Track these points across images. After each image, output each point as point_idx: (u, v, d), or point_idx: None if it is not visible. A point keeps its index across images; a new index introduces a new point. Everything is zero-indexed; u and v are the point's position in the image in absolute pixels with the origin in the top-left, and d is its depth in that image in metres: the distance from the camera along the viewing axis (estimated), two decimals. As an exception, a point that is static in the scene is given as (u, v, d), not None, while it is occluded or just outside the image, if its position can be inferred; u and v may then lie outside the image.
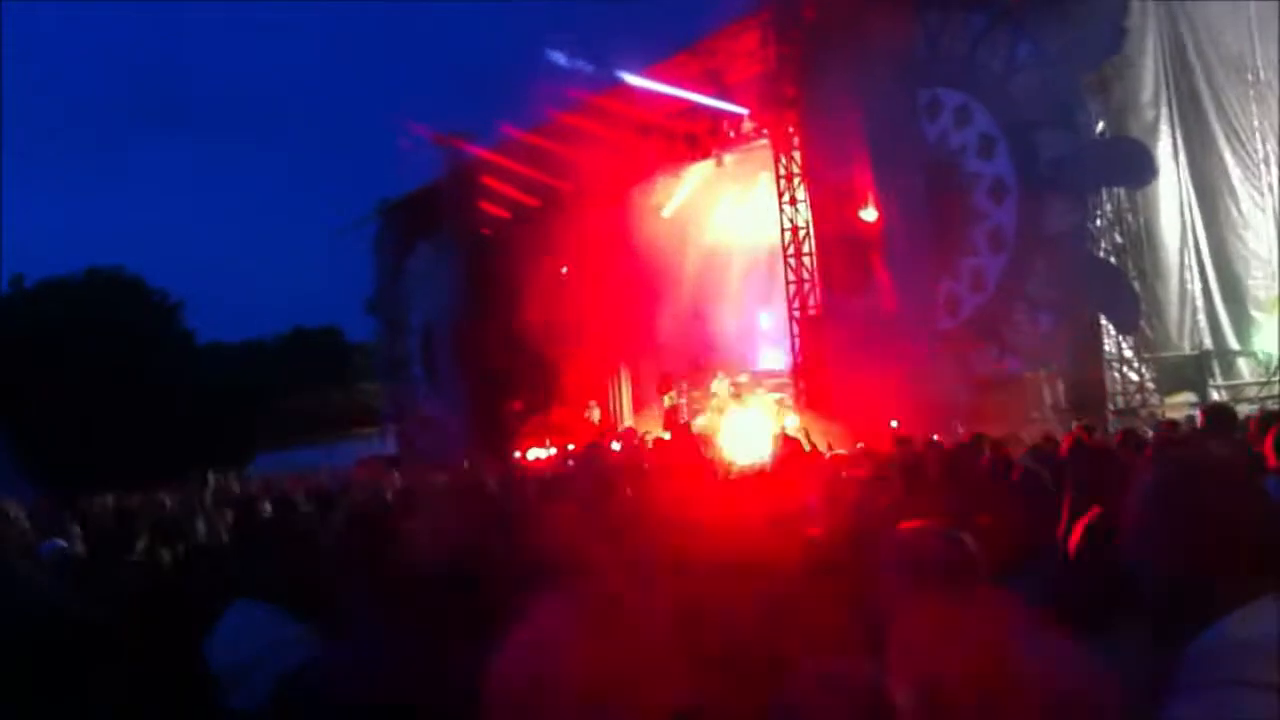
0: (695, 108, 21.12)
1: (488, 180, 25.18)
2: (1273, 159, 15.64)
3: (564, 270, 24.55)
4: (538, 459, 22.12)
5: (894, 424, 14.58)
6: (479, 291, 26.67)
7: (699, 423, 21.93)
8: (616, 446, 20.50)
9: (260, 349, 47.62)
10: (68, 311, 39.77)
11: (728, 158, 22.25)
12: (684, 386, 23.86)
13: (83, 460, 29.36)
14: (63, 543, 6.12)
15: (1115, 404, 14.68)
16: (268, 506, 5.77)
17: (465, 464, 17.73)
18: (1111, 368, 15.14)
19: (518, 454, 22.67)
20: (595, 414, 24.26)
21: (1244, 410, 10.76)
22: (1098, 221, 15.23)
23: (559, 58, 19.55)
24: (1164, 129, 15.42)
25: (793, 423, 18.88)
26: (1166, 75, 15.53)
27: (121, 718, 2.05)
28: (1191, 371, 14.98)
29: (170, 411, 37.50)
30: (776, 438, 17.50)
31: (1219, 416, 7.28)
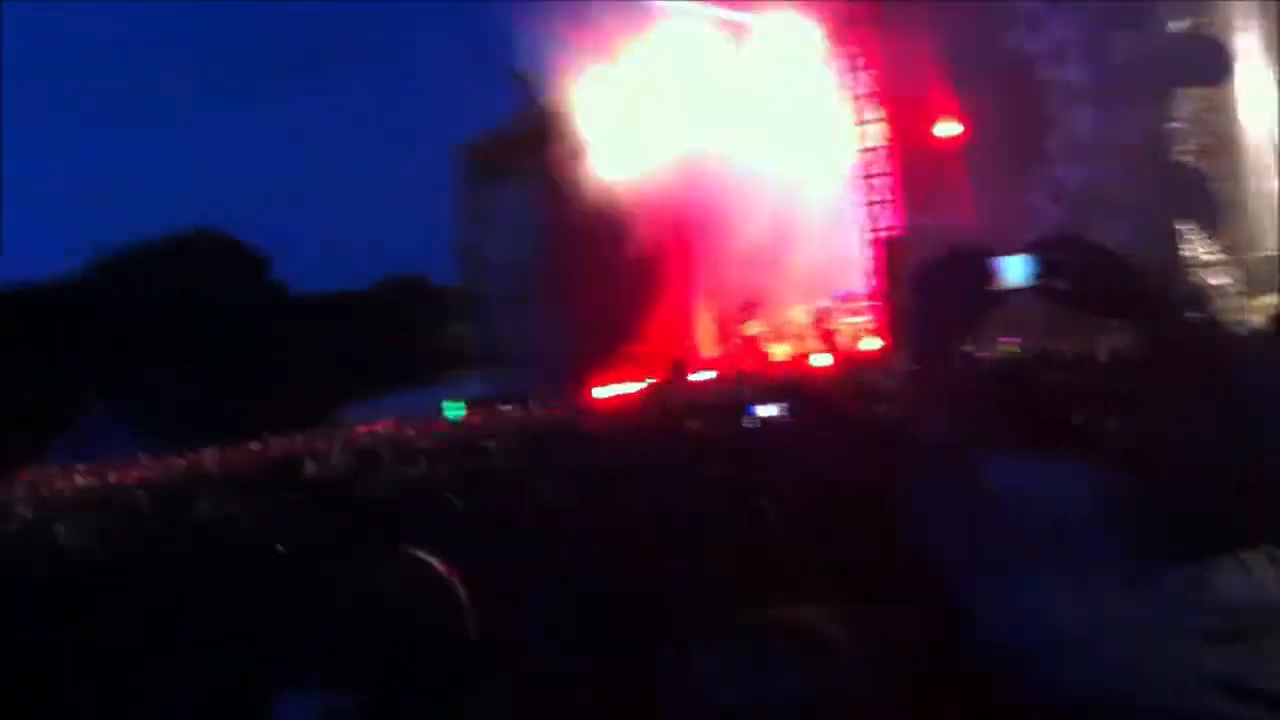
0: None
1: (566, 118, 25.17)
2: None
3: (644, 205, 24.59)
4: (622, 394, 22.32)
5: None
6: (561, 230, 26.82)
7: (779, 350, 22.00)
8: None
9: (349, 298, 48.17)
10: (163, 273, 40.68)
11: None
12: (764, 314, 23.84)
13: (191, 419, 30.23)
14: None
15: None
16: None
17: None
18: (1194, 272, 14.85)
19: (601, 389, 22.88)
20: (675, 347, 24.36)
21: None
22: (1177, 124, 14.89)
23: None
24: (1245, 24, 14.95)
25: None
26: (1247, -32, 15.03)
27: None
28: (1277, 274, 14.60)
29: (271, 366, 38.39)
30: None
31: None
